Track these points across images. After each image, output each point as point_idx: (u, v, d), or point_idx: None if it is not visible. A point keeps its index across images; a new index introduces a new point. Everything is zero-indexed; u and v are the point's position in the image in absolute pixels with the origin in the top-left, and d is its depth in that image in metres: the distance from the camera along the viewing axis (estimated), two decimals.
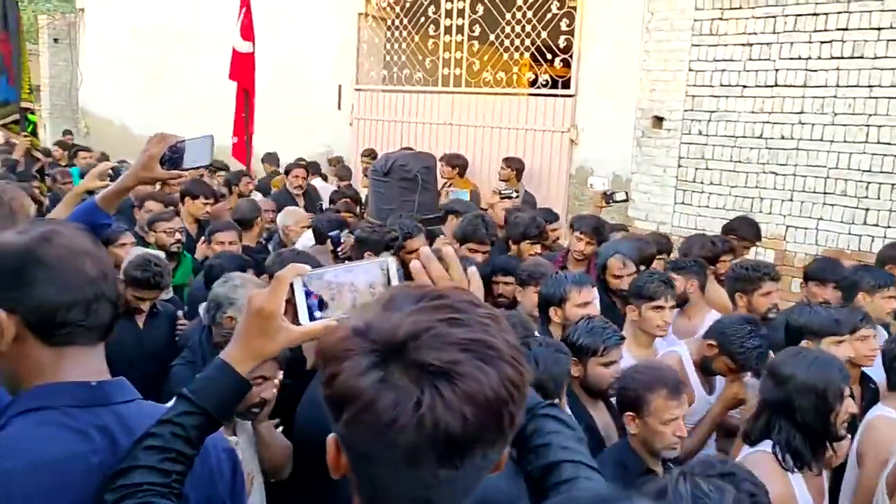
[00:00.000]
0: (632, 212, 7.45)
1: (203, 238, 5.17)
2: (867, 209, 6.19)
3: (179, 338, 3.64)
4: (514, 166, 7.94)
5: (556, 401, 2.36)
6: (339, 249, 4.69)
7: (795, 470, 2.34)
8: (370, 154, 9.49)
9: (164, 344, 3.65)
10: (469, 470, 0.83)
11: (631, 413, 2.58)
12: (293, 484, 2.49)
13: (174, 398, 1.30)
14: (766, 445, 2.40)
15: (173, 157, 2.09)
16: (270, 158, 9.94)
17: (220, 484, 1.42)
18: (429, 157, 7.12)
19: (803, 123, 6.47)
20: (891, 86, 5.99)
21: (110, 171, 2.78)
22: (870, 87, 6.10)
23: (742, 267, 3.97)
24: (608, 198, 5.88)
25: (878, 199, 6.12)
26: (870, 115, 6.12)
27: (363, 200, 7.68)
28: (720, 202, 7.03)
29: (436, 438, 0.78)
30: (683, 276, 4.07)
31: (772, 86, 6.62)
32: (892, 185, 6.05)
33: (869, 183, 6.16)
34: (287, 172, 7.95)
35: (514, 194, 6.36)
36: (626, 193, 6.00)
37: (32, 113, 7.73)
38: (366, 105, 10.13)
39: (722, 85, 6.93)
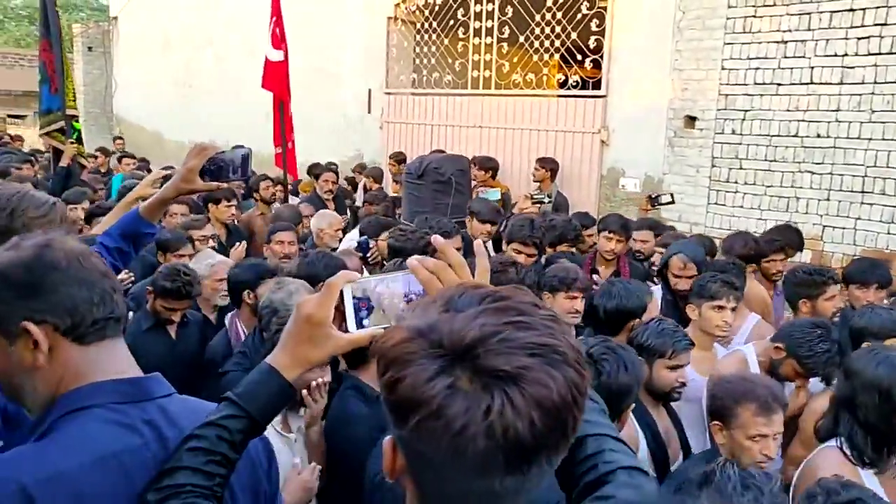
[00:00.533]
0: (665, 213, 7.38)
1: (234, 244, 5.27)
2: None
3: (207, 349, 3.64)
4: (549, 167, 7.91)
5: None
6: (368, 255, 4.71)
7: (865, 467, 2.31)
8: (399, 157, 9.54)
9: (197, 353, 3.67)
10: (535, 476, 0.82)
11: (718, 423, 2.52)
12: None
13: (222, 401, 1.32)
14: (834, 441, 2.39)
15: (213, 168, 2.11)
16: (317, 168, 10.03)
17: (259, 471, 1.45)
18: (462, 160, 7.12)
19: (840, 121, 6.37)
20: None
21: (162, 179, 2.81)
22: None
23: (805, 272, 3.88)
24: (653, 201, 5.82)
25: None
26: None
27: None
28: (755, 202, 6.95)
29: (505, 445, 0.78)
30: None
31: (807, 83, 6.53)
32: None
33: None
34: (317, 176, 7.99)
35: (547, 199, 6.32)
36: (672, 195, 5.93)
37: (77, 120, 7.84)
38: (395, 109, 10.17)
39: (756, 83, 6.85)
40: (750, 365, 3.15)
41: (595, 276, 4.62)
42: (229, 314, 3.81)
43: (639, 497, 1.08)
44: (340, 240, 5.71)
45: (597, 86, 8.19)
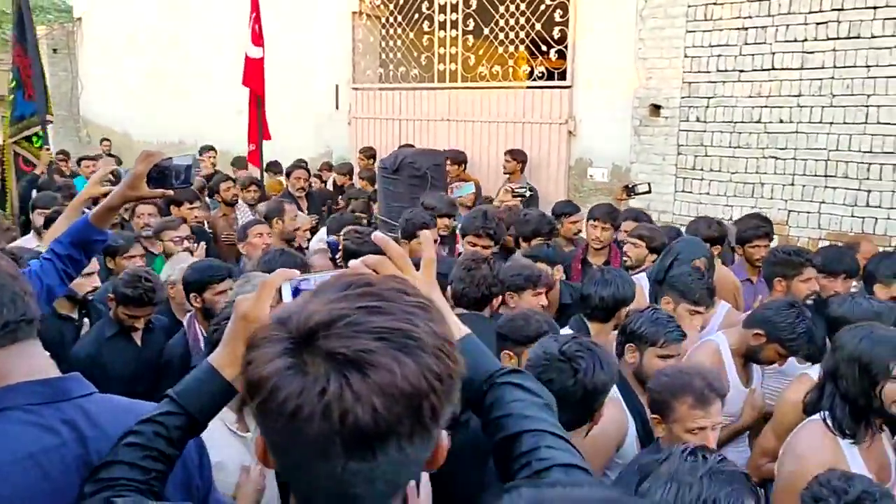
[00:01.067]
0: (633, 202, 7.38)
1: (201, 244, 5.19)
2: (869, 191, 6.12)
3: (164, 349, 3.58)
4: (519, 159, 7.91)
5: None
6: (336, 256, 4.67)
7: (845, 437, 2.35)
8: (369, 153, 9.48)
9: (172, 354, 3.60)
10: (385, 463, 0.79)
11: (656, 416, 2.53)
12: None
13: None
14: (818, 414, 2.43)
15: (156, 175, 2.11)
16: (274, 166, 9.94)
17: (190, 466, 1.44)
18: (437, 155, 7.06)
19: (802, 106, 6.40)
20: (889, 65, 5.92)
21: (110, 176, 2.76)
22: (867, 67, 6.02)
23: (783, 252, 3.90)
24: (630, 190, 5.79)
25: (880, 180, 6.06)
26: (869, 96, 6.05)
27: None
28: (721, 189, 6.97)
29: (343, 429, 0.75)
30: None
31: (769, 69, 6.55)
32: (894, 165, 5.98)
33: (870, 164, 6.09)
34: (288, 174, 7.90)
35: (528, 192, 6.25)
36: (649, 185, 5.89)
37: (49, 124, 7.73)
38: (363, 104, 10.10)
39: (719, 70, 6.87)
40: (722, 354, 3.14)
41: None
42: (188, 314, 3.77)
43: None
44: (309, 239, 5.67)
45: (562, 76, 8.18)
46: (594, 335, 3.18)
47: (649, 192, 5.79)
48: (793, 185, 6.52)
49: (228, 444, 2.29)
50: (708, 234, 4.53)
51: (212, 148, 9.77)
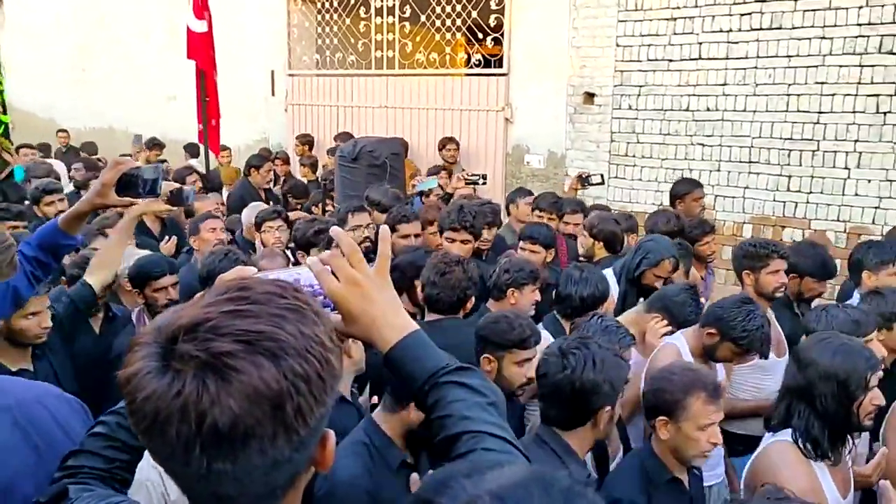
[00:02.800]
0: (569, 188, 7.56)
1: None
2: (790, 176, 6.40)
3: (114, 344, 3.51)
4: (458, 146, 8.01)
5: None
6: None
7: (819, 459, 2.27)
8: (306, 139, 9.41)
9: (122, 348, 3.56)
10: (249, 465, 0.81)
11: (664, 418, 2.41)
12: None
13: None
14: (787, 434, 2.32)
15: (123, 183, 2.13)
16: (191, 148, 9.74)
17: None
18: (396, 143, 6.98)
19: (727, 95, 6.64)
20: (808, 55, 6.19)
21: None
22: (788, 56, 6.28)
23: (751, 244, 3.82)
24: (584, 181, 5.76)
25: (800, 165, 6.34)
26: (789, 85, 6.31)
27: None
28: (652, 175, 7.18)
29: (202, 431, 0.77)
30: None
31: (696, 59, 6.77)
32: (813, 151, 6.27)
33: (791, 150, 6.37)
34: (257, 168, 7.40)
35: (481, 180, 6.18)
36: (602, 176, 5.88)
37: (5, 113, 7.37)
38: (300, 90, 10.00)
39: (649, 59, 7.06)
40: (683, 355, 3.08)
41: None
42: (136, 309, 3.74)
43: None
44: None
45: (499, 64, 8.26)
46: (569, 333, 3.20)
47: (602, 183, 5.76)
48: (719, 170, 6.77)
49: None
50: (667, 228, 4.52)
51: (159, 144, 9.57)
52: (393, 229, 4.19)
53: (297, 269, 1.24)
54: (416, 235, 4.42)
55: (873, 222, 5.99)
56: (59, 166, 8.02)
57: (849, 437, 2.33)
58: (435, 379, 1.16)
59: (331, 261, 1.16)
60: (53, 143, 11.38)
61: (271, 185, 7.65)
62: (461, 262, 3.31)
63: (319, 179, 7.91)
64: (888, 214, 5.93)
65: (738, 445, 3.24)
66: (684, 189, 5.43)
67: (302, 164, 8.75)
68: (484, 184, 6.34)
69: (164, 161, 9.13)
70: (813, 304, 3.84)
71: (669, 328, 3.29)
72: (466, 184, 6.18)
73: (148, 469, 2.06)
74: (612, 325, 2.95)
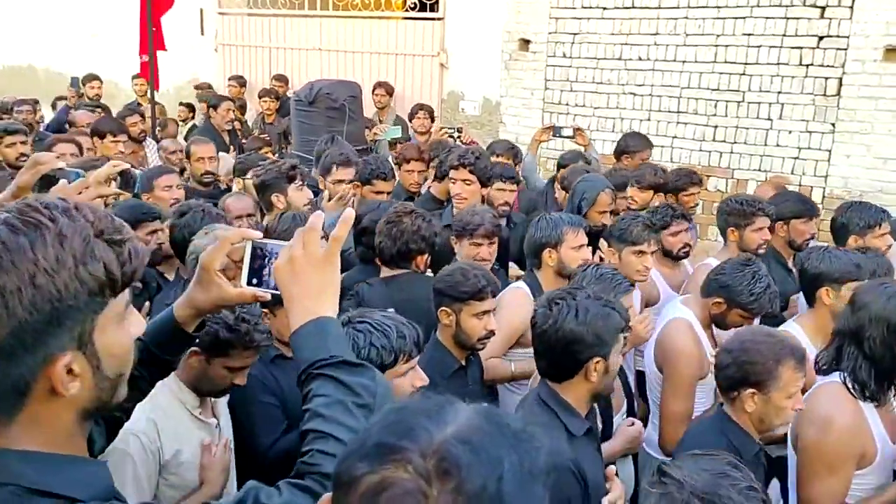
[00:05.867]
0: (503, 135, 7.58)
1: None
2: (716, 126, 6.56)
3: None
4: (389, 92, 7.89)
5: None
6: None
7: (866, 400, 2.29)
8: (241, 81, 9.16)
9: None
10: None
11: (752, 390, 2.26)
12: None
13: None
14: (835, 376, 2.35)
15: (49, 184, 2.13)
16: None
17: None
18: (354, 86, 6.75)
19: (658, 44, 6.71)
20: (737, 6, 6.29)
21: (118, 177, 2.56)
22: (718, 7, 6.37)
23: (737, 201, 3.79)
24: (556, 130, 5.51)
25: (726, 116, 6.49)
26: (718, 36, 6.41)
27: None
28: (584, 123, 7.22)
29: None
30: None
31: (629, 7, 6.80)
32: (738, 102, 6.42)
33: (717, 101, 6.51)
34: (214, 107, 7.14)
35: (456, 133, 5.95)
36: (573, 130, 5.55)
37: None
38: (231, 30, 9.68)
39: (583, 7, 7.06)
40: (695, 329, 3.00)
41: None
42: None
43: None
44: None
45: (434, 7, 8.14)
46: (546, 288, 3.08)
47: (573, 137, 5.51)
48: (649, 120, 6.88)
49: (192, 431, 2.20)
50: (653, 181, 4.55)
51: (96, 77, 8.92)
52: (367, 182, 4.09)
53: (277, 242, 1.35)
54: (388, 193, 4.20)
55: (792, 172, 6.20)
56: None
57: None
58: (311, 369, 1.19)
59: (296, 234, 1.24)
60: None
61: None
62: (414, 214, 3.21)
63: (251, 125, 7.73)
64: (806, 165, 6.15)
65: None
66: (634, 146, 5.35)
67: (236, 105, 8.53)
68: (459, 138, 6.22)
69: (96, 78, 8.64)
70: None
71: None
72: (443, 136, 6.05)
73: (145, 421, 2.03)
74: (606, 273, 2.84)
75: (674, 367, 2.94)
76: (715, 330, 3.07)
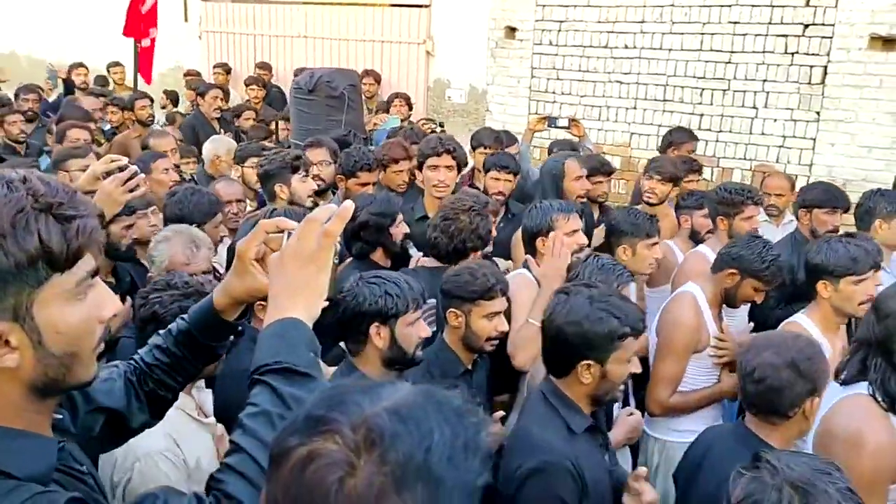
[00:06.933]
0: (489, 123, 7.55)
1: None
2: (702, 115, 6.56)
3: None
4: (376, 79, 7.87)
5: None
6: None
7: None
8: (226, 68, 9.09)
9: None
10: None
11: (817, 398, 2.12)
12: None
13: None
14: (861, 387, 2.19)
15: None
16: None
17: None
18: (354, 75, 6.67)
19: (644, 32, 6.70)
20: None
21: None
22: None
23: (726, 190, 3.78)
24: (551, 121, 5.47)
25: (711, 104, 6.50)
26: (704, 24, 6.40)
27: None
28: (571, 111, 7.21)
29: None
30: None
31: None
32: (724, 90, 6.42)
33: (703, 89, 6.51)
34: (202, 95, 7.12)
35: (440, 128, 6.02)
36: (569, 120, 5.46)
37: None
38: (214, 17, 9.60)
39: None
40: (700, 305, 3.03)
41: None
42: None
43: None
44: None
45: None
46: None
47: (568, 128, 5.43)
48: (635, 108, 6.87)
49: (199, 434, 2.19)
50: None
51: (81, 65, 8.85)
52: (352, 175, 4.04)
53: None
54: (374, 184, 4.17)
55: (777, 160, 6.22)
56: None
57: None
58: (255, 374, 1.16)
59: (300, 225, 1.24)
60: None
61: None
62: (472, 211, 3.13)
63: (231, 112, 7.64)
64: (791, 153, 6.17)
65: None
66: (679, 139, 5.37)
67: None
68: (443, 131, 6.19)
69: (82, 65, 8.54)
70: None
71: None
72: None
73: (164, 438, 2.01)
74: (608, 264, 2.80)
75: (669, 333, 3.02)
76: (725, 310, 3.11)
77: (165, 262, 2.81)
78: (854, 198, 4.20)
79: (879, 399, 2.14)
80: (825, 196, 4.06)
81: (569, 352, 2.07)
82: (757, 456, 1.64)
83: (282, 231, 1.28)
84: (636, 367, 2.17)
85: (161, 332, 1.43)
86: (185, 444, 2.10)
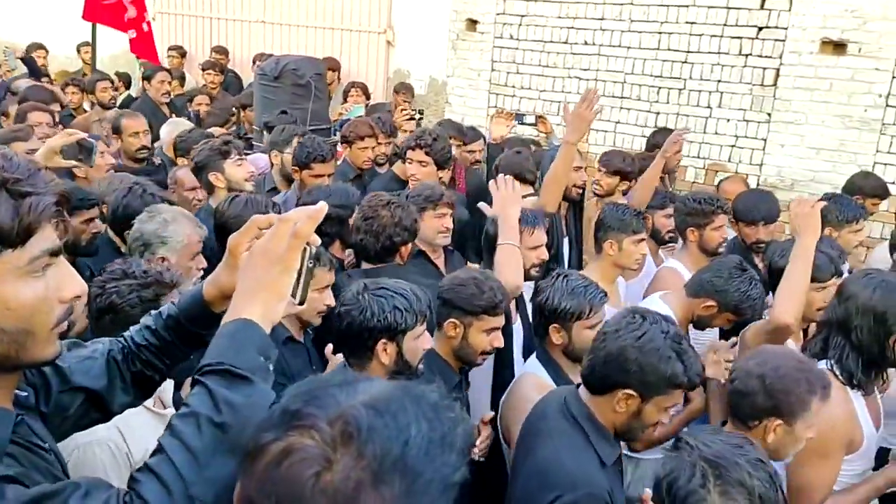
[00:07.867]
0: (448, 115, 7.55)
1: None
2: (658, 113, 6.66)
3: None
4: (335, 67, 7.78)
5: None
6: None
7: (853, 389, 2.32)
8: (181, 51, 8.90)
9: None
10: None
11: (779, 421, 2.06)
12: None
13: None
14: (822, 364, 2.34)
15: None
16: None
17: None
18: (320, 63, 6.61)
19: (604, 30, 6.77)
20: None
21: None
22: None
23: (694, 200, 3.71)
24: (519, 117, 5.55)
25: (668, 102, 6.60)
26: (662, 23, 6.50)
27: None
28: (530, 106, 7.27)
29: None
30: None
31: None
32: (680, 89, 6.53)
33: (660, 88, 6.61)
34: (148, 79, 6.85)
35: (418, 115, 5.88)
36: (536, 118, 5.53)
37: None
38: None
39: None
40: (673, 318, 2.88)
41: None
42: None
43: None
44: None
45: None
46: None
47: (535, 125, 5.48)
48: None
49: (147, 426, 2.10)
50: (621, 166, 4.51)
51: (41, 46, 8.58)
52: (306, 166, 3.97)
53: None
54: (329, 175, 4.09)
55: (729, 160, 6.36)
56: None
57: (883, 371, 2.39)
58: (197, 373, 1.13)
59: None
60: None
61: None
62: (391, 204, 3.04)
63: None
64: (743, 153, 6.32)
65: None
66: (663, 140, 5.11)
67: (174, 76, 8.26)
68: (421, 118, 6.12)
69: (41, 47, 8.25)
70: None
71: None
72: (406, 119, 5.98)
73: (108, 429, 1.92)
74: (578, 286, 2.62)
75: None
76: (691, 330, 3.03)
77: (183, 241, 2.70)
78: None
79: (837, 373, 2.33)
80: (743, 208, 3.90)
81: (619, 374, 1.94)
82: (678, 437, 1.78)
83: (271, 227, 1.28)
84: (666, 418, 2.05)
85: (153, 312, 1.42)
86: (132, 435, 2.04)
